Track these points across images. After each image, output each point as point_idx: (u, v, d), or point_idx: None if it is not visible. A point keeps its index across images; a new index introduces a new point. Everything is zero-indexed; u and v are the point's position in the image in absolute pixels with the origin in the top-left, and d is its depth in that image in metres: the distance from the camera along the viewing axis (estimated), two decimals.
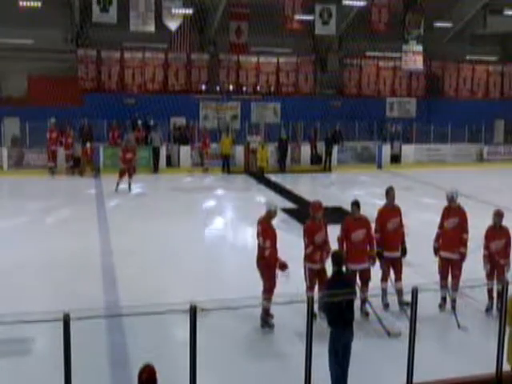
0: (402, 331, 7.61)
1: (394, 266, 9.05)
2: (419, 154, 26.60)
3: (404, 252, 9.09)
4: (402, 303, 8.87)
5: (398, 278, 9.02)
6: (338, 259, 6.79)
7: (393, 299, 9.02)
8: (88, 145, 21.53)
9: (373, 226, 9.00)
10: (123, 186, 18.32)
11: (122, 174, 18.20)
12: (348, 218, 8.98)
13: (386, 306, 9.01)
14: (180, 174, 22.40)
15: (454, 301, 8.88)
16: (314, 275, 8.39)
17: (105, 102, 23.84)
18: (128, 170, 18.26)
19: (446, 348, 7.83)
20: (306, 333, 5.38)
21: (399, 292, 8.94)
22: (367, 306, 8.59)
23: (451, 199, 9.11)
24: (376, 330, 8.25)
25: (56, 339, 4.78)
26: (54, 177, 20.97)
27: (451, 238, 8.97)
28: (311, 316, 5.45)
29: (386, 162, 25.41)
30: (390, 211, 9.14)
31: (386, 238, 8.99)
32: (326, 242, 8.56)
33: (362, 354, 7.55)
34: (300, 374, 5.46)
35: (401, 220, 9.14)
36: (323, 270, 8.50)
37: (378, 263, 8.99)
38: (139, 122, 23.50)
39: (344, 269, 8.63)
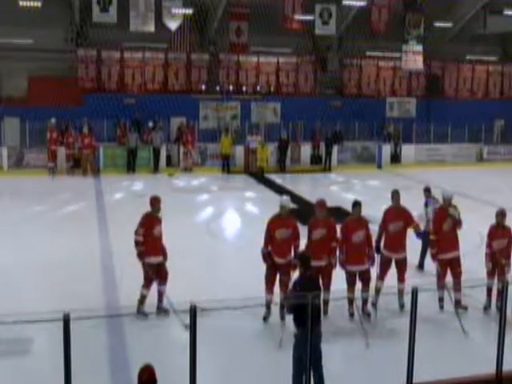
0: (402, 331, 7.60)
1: (397, 266, 9.07)
2: (419, 154, 26.60)
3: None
4: (402, 304, 8.91)
5: (401, 278, 9.05)
6: (305, 260, 6.81)
7: (391, 298, 9.04)
8: (86, 130, 21.41)
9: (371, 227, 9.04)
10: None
11: (149, 281, 8.75)
12: (349, 218, 9.00)
13: (373, 304, 9.00)
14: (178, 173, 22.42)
15: (458, 302, 8.83)
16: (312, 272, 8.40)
17: (105, 101, 23.79)
18: (159, 270, 8.82)
19: (446, 348, 7.83)
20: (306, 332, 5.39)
21: (400, 292, 8.96)
22: (354, 307, 8.59)
23: (448, 200, 9.17)
24: (376, 330, 8.26)
25: (56, 339, 4.78)
26: (53, 177, 20.96)
27: (452, 238, 9.01)
28: (311, 315, 5.46)
29: (386, 161, 25.41)
30: (395, 213, 9.16)
31: (387, 239, 9.03)
32: (328, 239, 8.59)
33: (362, 354, 7.57)
34: None
35: (406, 223, 9.16)
36: (325, 268, 8.54)
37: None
38: (150, 124, 23.37)
39: (344, 271, 8.75)
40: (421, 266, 10.85)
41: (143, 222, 8.97)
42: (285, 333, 7.43)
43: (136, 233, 8.83)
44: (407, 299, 5.65)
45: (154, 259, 8.77)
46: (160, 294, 8.70)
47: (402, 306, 8.90)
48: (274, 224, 8.59)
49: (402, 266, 9.09)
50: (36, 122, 21.93)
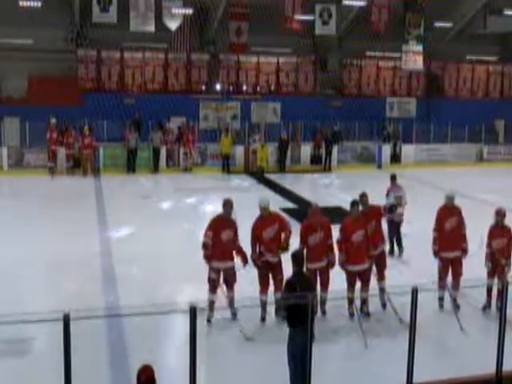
0: (402, 331, 7.60)
1: (376, 262, 9.03)
2: (419, 154, 26.59)
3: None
4: (383, 304, 8.91)
5: (381, 277, 9.03)
6: (298, 259, 6.80)
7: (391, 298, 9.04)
8: (86, 131, 21.37)
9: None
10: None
11: (213, 285, 8.48)
12: (348, 218, 8.97)
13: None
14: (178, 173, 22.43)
15: (455, 300, 8.88)
16: (311, 273, 8.40)
17: (105, 102, 23.84)
18: (226, 276, 8.54)
19: (445, 348, 7.84)
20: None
21: (381, 291, 8.95)
22: (354, 307, 8.57)
23: (451, 199, 9.17)
24: (376, 329, 8.26)
25: (56, 339, 4.78)
26: (53, 177, 20.97)
27: (453, 237, 9.02)
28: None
29: (385, 161, 25.40)
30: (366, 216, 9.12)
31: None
32: (326, 238, 8.61)
33: (362, 354, 7.57)
34: None
35: (379, 218, 9.26)
36: (323, 268, 8.54)
37: None
38: (168, 125, 23.33)
39: (344, 271, 8.74)
40: (391, 251, 11.55)
41: (212, 224, 8.57)
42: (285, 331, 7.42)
43: (205, 235, 8.53)
44: (407, 299, 5.62)
45: (219, 264, 8.44)
46: (230, 300, 8.41)
47: (383, 306, 8.89)
48: (258, 227, 8.55)
49: (380, 263, 9.06)
50: (36, 122, 21.93)
